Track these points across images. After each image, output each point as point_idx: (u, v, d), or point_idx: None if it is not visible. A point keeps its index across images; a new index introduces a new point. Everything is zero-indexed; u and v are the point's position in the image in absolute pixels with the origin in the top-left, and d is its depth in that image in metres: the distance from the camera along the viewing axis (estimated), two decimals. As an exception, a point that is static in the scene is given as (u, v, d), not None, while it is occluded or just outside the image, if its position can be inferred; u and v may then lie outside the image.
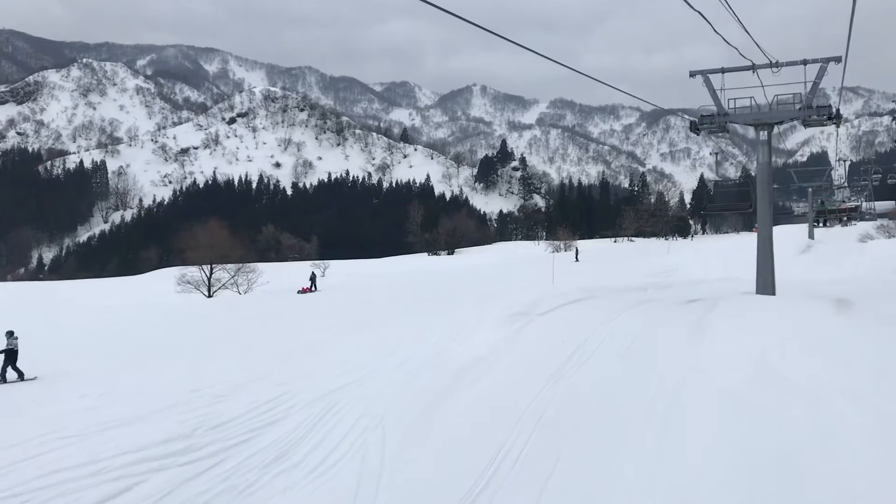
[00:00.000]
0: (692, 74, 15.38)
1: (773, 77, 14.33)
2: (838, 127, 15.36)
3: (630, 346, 10.65)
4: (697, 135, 15.51)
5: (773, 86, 14.57)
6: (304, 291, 35.24)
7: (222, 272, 42.01)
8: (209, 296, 40.09)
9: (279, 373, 11.47)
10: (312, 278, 38.30)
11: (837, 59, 14.10)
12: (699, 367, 9.31)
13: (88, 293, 46.18)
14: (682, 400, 8.17)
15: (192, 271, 41.69)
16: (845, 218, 58.04)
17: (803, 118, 14.52)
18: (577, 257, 59.82)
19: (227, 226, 57.77)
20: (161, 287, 41.24)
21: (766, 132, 14.67)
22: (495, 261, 61.37)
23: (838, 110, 14.48)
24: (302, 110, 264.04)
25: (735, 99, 14.81)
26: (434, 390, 10.08)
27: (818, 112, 14.26)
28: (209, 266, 41.39)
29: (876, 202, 67.84)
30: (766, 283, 14.75)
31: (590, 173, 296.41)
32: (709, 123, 15.14)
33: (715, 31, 13.03)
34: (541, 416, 8.12)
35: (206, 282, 41.27)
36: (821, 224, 55.25)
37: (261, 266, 48.84)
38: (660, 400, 8.32)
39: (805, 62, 14.41)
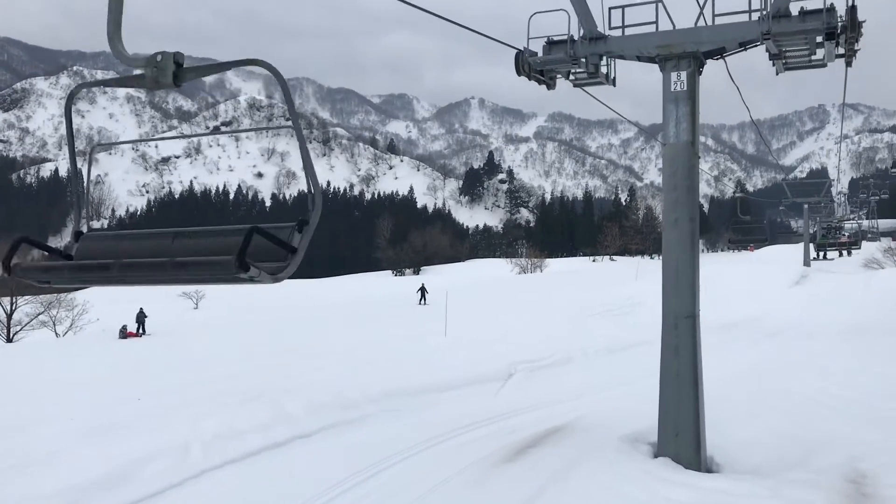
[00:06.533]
0: (533, -46, 7.28)
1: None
2: (849, 65, 7.14)
3: None
4: (541, 83, 7.46)
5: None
6: (127, 336, 27.06)
7: (34, 306, 33.09)
8: (9, 340, 31.25)
9: None
10: (140, 319, 29.74)
11: None
12: None
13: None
14: None
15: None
16: (845, 252, 54.08)
17: (767, 33, 6.35)
18: (423, 298, 40.68)
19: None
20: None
21: (682, 73, 6.67)
22: (441, 285, 53.12)
23: (853, 8, 6.24)
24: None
25: (623, 7, 6.84)
26: None
27: (804, 19, 6.25)
28: (11, 301, 32.16)
29: (879, 220, 64.01)
30: (683, 434, 6.30)
31: (586, 187, 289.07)
32: (563, 55, 7.23)
33: None
34: None
35: (5, 322, 31.89)
36: (820, 257, 51.04)
37: (93, 296, 38.04)
38: None
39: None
